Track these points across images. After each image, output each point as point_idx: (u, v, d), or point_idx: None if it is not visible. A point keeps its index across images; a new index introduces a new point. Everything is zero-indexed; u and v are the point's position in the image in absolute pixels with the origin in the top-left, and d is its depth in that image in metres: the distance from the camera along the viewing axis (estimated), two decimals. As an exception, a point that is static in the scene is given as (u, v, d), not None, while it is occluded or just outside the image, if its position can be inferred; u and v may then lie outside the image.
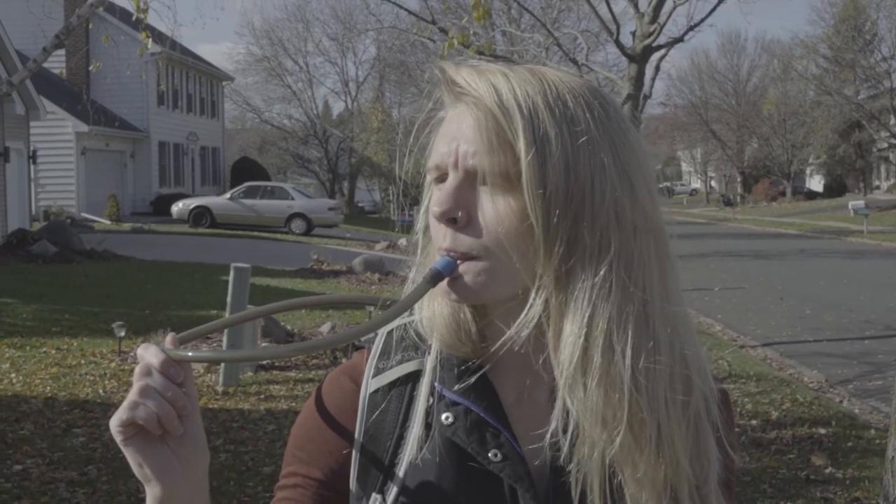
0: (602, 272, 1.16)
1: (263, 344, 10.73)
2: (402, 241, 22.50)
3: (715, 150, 77.53)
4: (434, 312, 1.27)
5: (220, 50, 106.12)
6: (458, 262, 1.20)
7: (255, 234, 32.14)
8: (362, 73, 59.24)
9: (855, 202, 42.91)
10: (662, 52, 13.68)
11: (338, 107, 66.73)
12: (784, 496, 6.15)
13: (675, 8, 12.85)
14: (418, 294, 1.19)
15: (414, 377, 1.29)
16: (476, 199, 1.19)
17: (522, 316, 1.18)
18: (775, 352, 12.49)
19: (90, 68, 12.12)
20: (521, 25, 23.70)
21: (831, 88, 55.54)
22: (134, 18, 8.13)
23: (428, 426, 1.26)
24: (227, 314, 9.58)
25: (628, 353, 1.16)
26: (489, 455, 1.22)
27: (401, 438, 1.27)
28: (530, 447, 1.23)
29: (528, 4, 28.96)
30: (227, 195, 35.37)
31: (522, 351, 1.22)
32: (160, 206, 37.97)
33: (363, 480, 1.28)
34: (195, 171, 45.87)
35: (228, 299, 9.57)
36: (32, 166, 28.42)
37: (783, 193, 69.28)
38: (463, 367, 1.25)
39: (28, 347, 11.02)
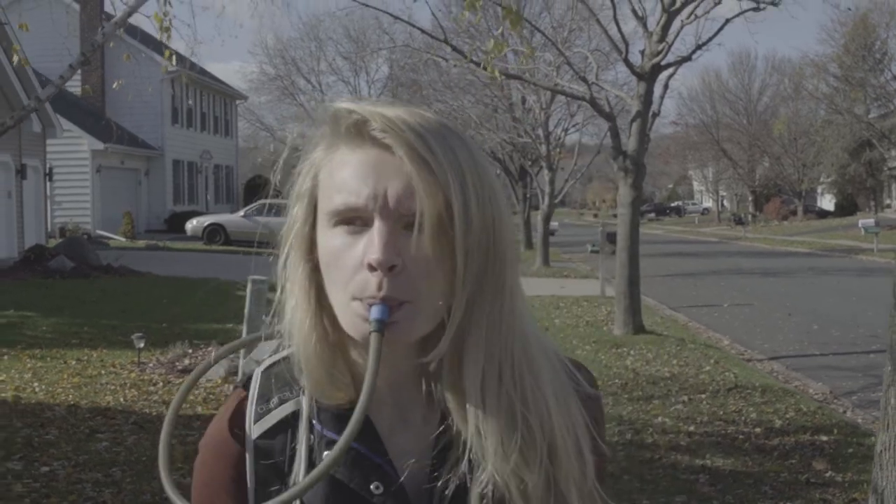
0: (499, 302, 1.22)
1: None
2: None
3: (726, 168, 77.63)
4: (309, 358, 1.26)
5: (231, 69, 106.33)
6: (391, 307, 1.18)
7: (268, 251, 32.32)
8: (375, 91, 59.52)
9: (865, 221, 42.97)
10: (671, 70, 13.94)
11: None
12: (783, 497, 6.36)
13: (682, 27, 13.11)
14: (377, 353, 1.16)
15: (294, 417, 1.30)
16: (406, 243, 1.18)
17: (438, 349, 1.20)
18: (782, 365, 12.66)
19: (113, 86, 12.37)
20: (532, 43, 23.95)
21: (841, 107, 55.70)
22: (159, 37, 8.39)
23: (312, 465, 1.27)
24: (244, 325, 9.81)
25: (518, 375, 1.23)
26: (371, 488, 1.25)
27: (285, 480, 1.28)
28: (409, 471, 1.26)
29: (540, 23, 29.33)
30: (241, 213, 35.71)
31: (401, 385, 1.28)
32: (174, 224, 38.32)
33: None
34: (209, 188, 46.24)
35: (246, 310, 9.81)
36: (48, 183, 28.79)
37: (794, 212, 69.39)
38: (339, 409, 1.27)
39: (49, 358, 11.28)
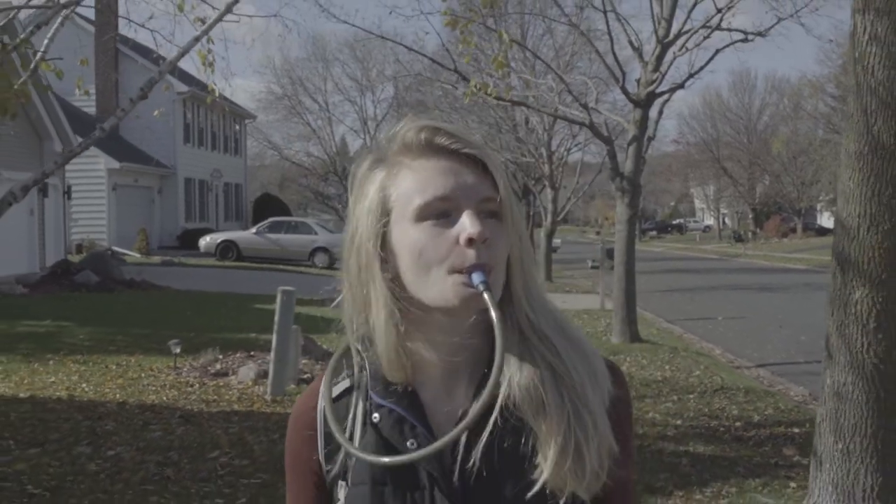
0: (525, 261, 1.54)
1: (304, 361, 11.96)
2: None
3: (727, 186, 78.35)
4: (387, 347, 1.51)
5: (235, 86, 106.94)
6: (487, 271, 1.44)
7: (280, 267, 33.32)
8: (380, 111, 60.40)
9: (860, 238, 43.78)
10: (665, 97, 14.96)
11: (355, 144, 67.89)
12: (753, 475, 7.33)
13: (674, 59, 14.12)
14: (495, 305, 1.42)
15: (349, 390, 1.58)
16: (485, 223, 1.46)
17: (498, 321, 1.42)
18: (768, 371, 13.62)
19: (154, 114, 13.23)
20: (535, 67, 24.95)
21: (839, 127, 56.64)
22: (203, 72, 9.39)
23: (364, 422, 1.54)
24: (274, 334, 10.77)
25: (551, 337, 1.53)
26: (407, 444, 1.49)
27: (351, 437, 1.55)
28: (443, 432, 1.47)
29: (542, 47, 30.32)
30: (253, 230, 36.68)
31: (450, 363, 1.53)
32: (186, 240, 39.26)
33: (331, 473, 1.58)
34: (219, 206, 47.18)
35: (276, 318, 10.78)
36: (67, 201, 29.76)
37: (794, 230, 70.21)
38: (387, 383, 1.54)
39: (91, 363, 12.23)
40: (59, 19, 8.90)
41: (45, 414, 9.13)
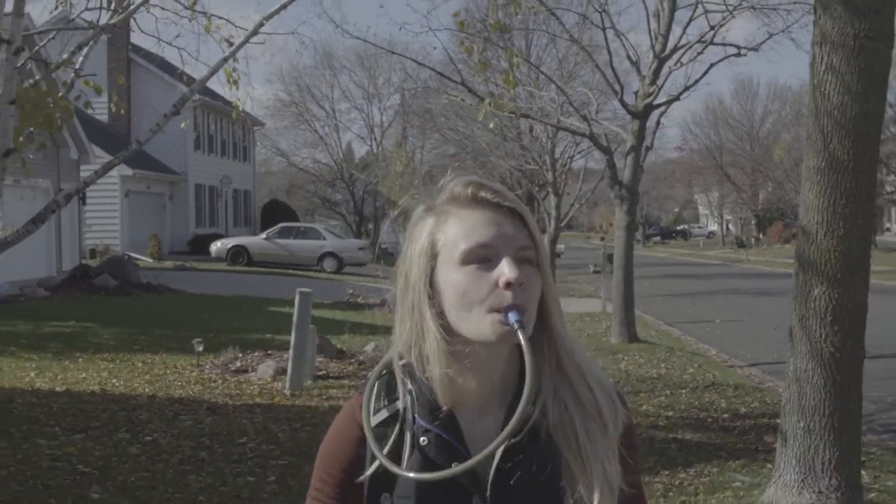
0: (556, 304, 1.73)
1: (319, 359, 12.69)
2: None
3: (730, 193, 78.75)
4: (442, 372, 1.67)
5: (243, 94, 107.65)
6: (522, 311, 1.61)
7: (290, 271, 34.02)
8: (387, 118, 61.03)
9: (858, 243, 44.38)
10: (662, 109, 15.70)
11: (361, 150, 68.57)
12: (734, 458, 8.06)
13: (670, 73, 14.87)
14: (527, 341, 1.59)
15: (395, 415, 1.73)
16: (522, 270, 1.63)
17: (529, 354, 1.60)
18: (759, 370, 14.30)
19: (181, 126, 13.97)
20: (539, 78, 25.66)
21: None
22: (228, 89, 10.11)
23: (411, 447, 1.70)
24: (293, 332, 11.49)
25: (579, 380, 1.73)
26: (451, 466, 1.65)
27: (397, 456, 1.70)
28: (479, 449, 1.65)
29: (546, 56, 31.00)
30: (263, 235, 37.41)
31: (485, 391, 1.70)
32: (196, 246, 39.92)
33: (374, 487, 1.72)
34: (228, 212, 47.93)
35: (294, 318, 11.51)
36: (82, 207, 30.50)
37: (795, 235, 70.69)
38: (434, 405, 1.70)
39: (118, 361, 12.97)
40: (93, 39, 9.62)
41: (83, 405, 9.87)
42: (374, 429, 1.72)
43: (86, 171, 31.13)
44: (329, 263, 35.54)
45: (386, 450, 1.69)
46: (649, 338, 17.04)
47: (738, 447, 8.54)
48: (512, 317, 1.60)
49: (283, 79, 60.51)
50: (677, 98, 15.55)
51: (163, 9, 10.18)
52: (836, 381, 5.97)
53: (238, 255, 35.86)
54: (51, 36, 9.83)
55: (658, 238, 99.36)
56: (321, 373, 12.36)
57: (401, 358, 1.73)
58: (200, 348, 12.61)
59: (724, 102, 79.83)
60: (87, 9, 9.71)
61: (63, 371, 12.05)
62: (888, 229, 65.64)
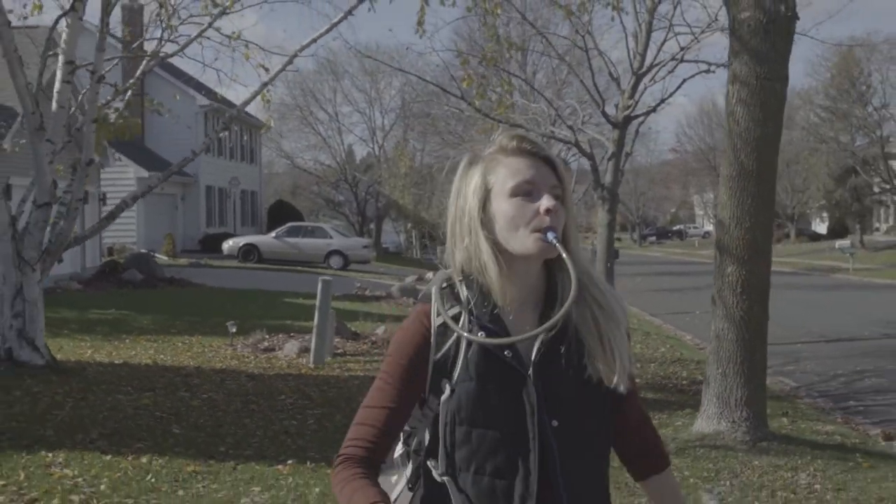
0: (576, 232, 2.19)
1: (336, 339, 14.55)
2: (429, 275, 26.19)
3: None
4: (494, 280, 2.12)
5: (245, 94, 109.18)
6: (557, 231, 2.07)
7: (298, 268, 35.81)
8: (388, 121, 62.56)
9: (842, 242, 46.46)
10: (641, 119, 17.58)
11: (361, 151, 70.10)
12: (680, 408, 9.93)
13: (645, 89, 16.76)
14: (566, 251, 2.06)
15: (456, 317, 2.14)
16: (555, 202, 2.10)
17: (569, 259, 2.05)
18: (725, 351, 16.17)
19: (221, 134, 15.77)
20: (533, 88, 27.53)
21: (826, 136, 59.30)
22: (264, 106, 11.98)
23: (470, 342, 2.12)
24: (315, 314, 13.33)
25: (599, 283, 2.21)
26: (504, 353, 2.10)
27: (458, 348, 2.12)
28: (523, 344, 2.11)
29: (540, 64, 32.81)
30: (273, 234, 39.24)
31: (524, 296, 2.15)
32: (207, 244, 41.61)
33: (437, 373, 2.14)
34: (237, 212, 49.66)
35: (317, 302, 13.36)
36: (102, 207, 32.28)
37: (788, 235, 72.45)
38: (487, 307, 2.14)
39: (160, 341, 14.79)
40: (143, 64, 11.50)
41: (143, 373, 11.72)
42: (438, 327, 2.15)
43: (105, 173, 33.03)
44: (335, 261, 37.36)
45: (448, 344, 2.14)
46: (630, 325, 18.83)
47: (687, 402, 10.41)
48: (550, 235, 2.07)
49: (287, 83, 62.10)
50: (654, 110, 17.46)
51: (209, 38, 12.05)
52: (745, 338, 7.87)
53: (249, 252, 37.68)
54: (114, 63, 11.72)
55: (654, 238, 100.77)
56: (339, 351, 14.21)
57: (463, 271, 2.18)
58: (234, 329, 14.46)
59: (717, 105, 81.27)
60: (144, 38, 11.62)
61: (115, 349, 13.87)
62: (877, 229, 67.42)
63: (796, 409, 10.62)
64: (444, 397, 2.11)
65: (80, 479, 6.83)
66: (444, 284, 2.19)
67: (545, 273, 2.18)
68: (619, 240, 19.35)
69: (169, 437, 8.34)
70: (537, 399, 2.09)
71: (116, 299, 20.58)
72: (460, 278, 2.17)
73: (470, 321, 2.11)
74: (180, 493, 6.67)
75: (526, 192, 2.10)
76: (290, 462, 7.59)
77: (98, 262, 27.25)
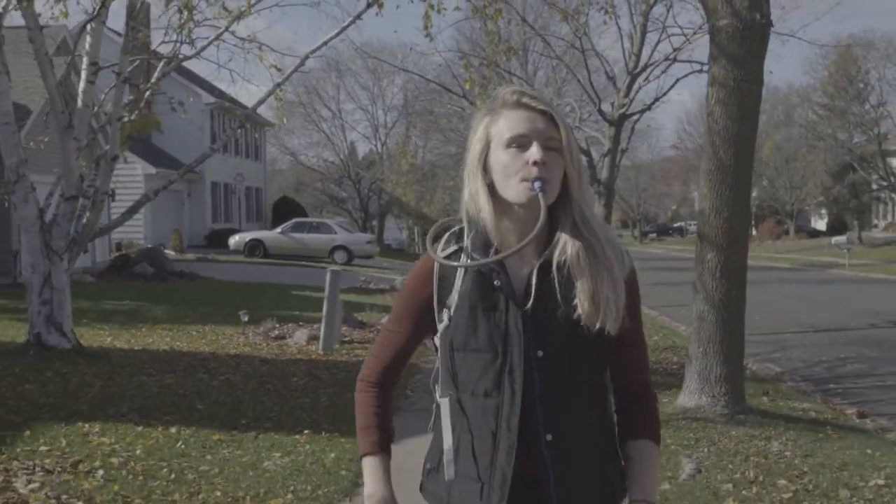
0: (581, 191, 2.33)
1: (344, 328, 15.22)
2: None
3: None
4: (488, 220, 2.32)
5: (249, 91, 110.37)
6: (544, 182, 2.24)
7: (303, 263, 36.49)
8: (391, 118, 63.15)
9: (838, 238, 47.06)
10: (636, 117, 18.25)
11: (364, 148, 70.64)
12: (667, 388, 10.59)
13: (640, 88, 17.44)
14: (544, 202, 2.24)
15: (458, 252, 2.39)
16: (546, 154, 2.26)
17: (544, 209, 2.23)
18: (716, 340, 16.83)
19: (237, 131, 16.43)
20: (533, 87, 28.17)
21: (823, 134, 59.91)
22: (277, 107, 12.64)
23: (469, 271, 2.36)
24: (325, 303, 13.99)
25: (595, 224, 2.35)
26: (495, 282, 2.33)
27: (456, 282, 2.37)
28: (517, 280, 2.34)
29: (541, 62, 33.46)
30: (279, 229, 39.95)
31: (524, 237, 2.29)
32: (213, 240, 42.37)
33: (440, 306, 2.39)
34: (242, 208, 50.36)
35: (326, 292, 14.02)
36: (111, 203, 32.97)
37: (787, 232, 72.85)
38: (484, 246, 2.36)
39: (175, 330, 15.47)
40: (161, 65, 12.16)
41: (162, 357, 12.41)
42: (440, 266, 2.40)
43: (114, 172, 33.67)
44: (340, 256, 38.02)
45: (449, 279, 2.38)
46: (626, 316, 19.50)
47: (675, 383, 11.05)
48: (536, 185, 2.24)
49: (291, 81, 62.52)
50: (648, 108, 18.13)
51: (224, 41, 12.73)
52: (724, 318, 8.56)
53: (255, 248, 38.39)
54: (135, 63, 12.38)
55: (654, 235, 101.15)
56: (347, 339, 14.89)
57: (467, 213, 2.37)
58: (246, 318, 15.16)
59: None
60: (163, 41, 12.30)
61: (133, 337, 14.55)
62: (875, 226, 67.97)
63: (778, 391, 11.30)
64: (442, 326, 2.38)
65: (116, 446, 7.52)
66: (453, 228, 2.45)
67: (548, 222, 2.31)
68: (620, 237, 19.76)
69: (193, 411, 9.03)
70: (524, 328, 2.29)
71: (129, 291, 21.28)
72: (464, 222, 2.40)
73: (467, 257, 2.37)
74: (208, 457, 7.36)
75: (520, 143, 2.29)
76: (306, 432, 8.29)
77: (108, 257, 27.94)
